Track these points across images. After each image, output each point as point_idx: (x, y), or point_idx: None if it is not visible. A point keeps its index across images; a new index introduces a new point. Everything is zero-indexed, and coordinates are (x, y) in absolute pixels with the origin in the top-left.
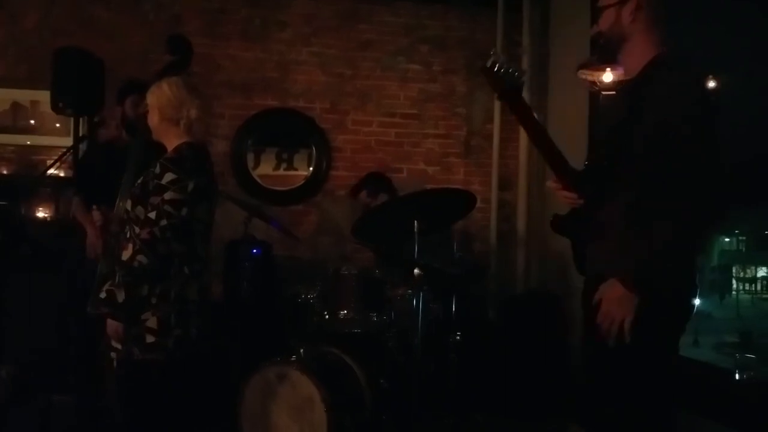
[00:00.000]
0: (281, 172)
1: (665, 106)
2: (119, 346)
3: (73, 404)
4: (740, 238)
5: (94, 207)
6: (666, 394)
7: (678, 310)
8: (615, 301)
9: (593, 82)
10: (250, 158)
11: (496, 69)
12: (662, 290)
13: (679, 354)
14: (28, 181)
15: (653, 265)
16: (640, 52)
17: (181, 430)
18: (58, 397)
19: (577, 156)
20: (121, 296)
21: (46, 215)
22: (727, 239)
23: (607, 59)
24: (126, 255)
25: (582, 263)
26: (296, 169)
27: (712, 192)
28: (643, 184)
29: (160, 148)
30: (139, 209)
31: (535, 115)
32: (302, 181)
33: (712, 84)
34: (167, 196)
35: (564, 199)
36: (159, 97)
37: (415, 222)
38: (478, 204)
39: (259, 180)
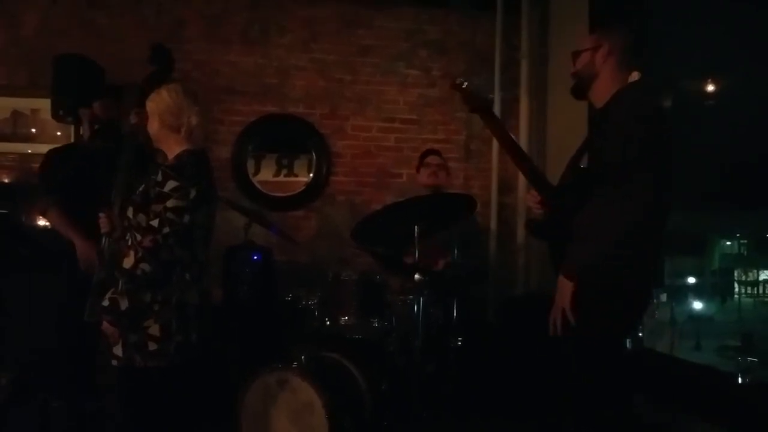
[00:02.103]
0: (281, 178)
1: (619, 128)
2: (120, 354)
3: (72, 406)
4: (742, 241)
5: (102, 214)
6: (616, 381)
7: (623, 301)
8: (559, 292)
9: None
10: (251, 164)
11: (465, 86)
12: (605, 282)
13: (625, 346)
14: (29, 188)
15: (590, 255)
16: (606, 87)
17: None
18: (57, 399)
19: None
20: (124, 304)
21: (46, 223)
22: (728, 242)
23: (579, 96)
24: (128, 263)
25: (558, 265)
26: (296, 175)
27: (649, 197)
28: (597, 192)
29: (148, 154)
30: (141, 217)
31: (507, 129)
32: (303, 187)
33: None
34: (170, 203)
35: (537, 211)
36: (159, 104)
37: (416, 226)
38: (478, 208)
39: (259, 186)
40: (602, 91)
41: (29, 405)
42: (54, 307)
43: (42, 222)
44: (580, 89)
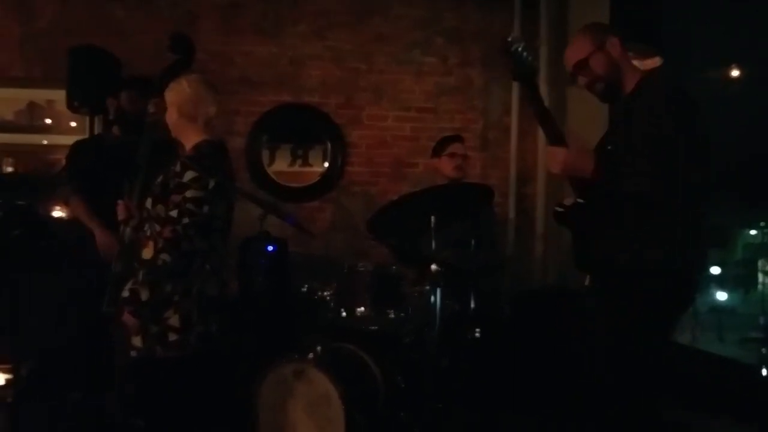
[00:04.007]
0: (296, 168)
1: (646, 116)
2: (140, 344)
3: (77, 405)
4: (766, 230)
5: (120, 201)
6: (647, 379)
7: (665, 298)
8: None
9: None
10: (265, 155)
11: (514, 49)
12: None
13: (665, 343)
14: (46, 179)
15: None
16: (631, 74)
17: (199, 425)
18: (66, 396)
19: None
20: (145, 294)
21: (62, 214)
22: (752, 232)
23: (616, 96)
24: (148, 253)
25: (578, 258)
26: (311, 165)
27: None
28: (627, 181)
29: (168, 145)
30: (160, 207)
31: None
32: (317, 178)
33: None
34: (189, 194)
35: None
36: (178, 94)
37: (432, 217)
38: (496, 198)
39: (274, 177)
40: (630, 79)
41: (37, 403)
42: (62, 305)
43: (58, 213)
44: (612, 92)
